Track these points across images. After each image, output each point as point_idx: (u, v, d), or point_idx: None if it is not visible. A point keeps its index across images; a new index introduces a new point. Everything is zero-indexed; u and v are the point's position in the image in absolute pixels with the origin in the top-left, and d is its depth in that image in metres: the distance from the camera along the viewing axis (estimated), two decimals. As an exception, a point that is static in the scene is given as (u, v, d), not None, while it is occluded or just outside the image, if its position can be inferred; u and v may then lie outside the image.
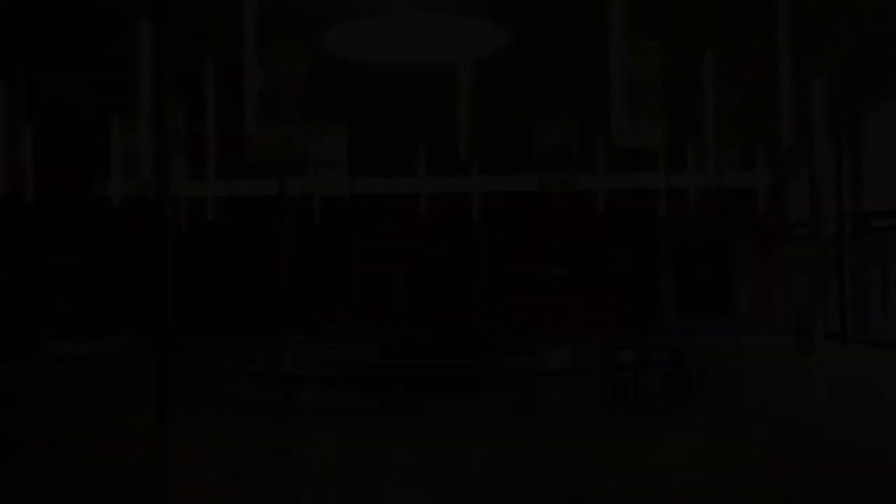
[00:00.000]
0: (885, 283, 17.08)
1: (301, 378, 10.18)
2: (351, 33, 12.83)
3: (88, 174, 20.49)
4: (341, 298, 21.57)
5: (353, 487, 6.35)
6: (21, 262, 17.97)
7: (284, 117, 10.15)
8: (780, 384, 11.74)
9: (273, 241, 19.10)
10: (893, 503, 5.80)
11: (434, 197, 21.08)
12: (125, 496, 6.30)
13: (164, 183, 9.23)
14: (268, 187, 21.28)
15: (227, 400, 10.67)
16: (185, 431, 8.78)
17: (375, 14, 12.03)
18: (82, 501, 6.12)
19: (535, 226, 21.69)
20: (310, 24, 12.14)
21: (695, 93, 15.57)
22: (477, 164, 17.79)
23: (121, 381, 13.20)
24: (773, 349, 16.63)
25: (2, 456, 7.66)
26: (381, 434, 8.46)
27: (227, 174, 20.80)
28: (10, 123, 12.51)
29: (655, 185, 21.18)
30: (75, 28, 12.45)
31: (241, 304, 21.54)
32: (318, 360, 12.26)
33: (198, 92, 12.07)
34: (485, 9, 11.80)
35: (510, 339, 12.78)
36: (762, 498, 6.00)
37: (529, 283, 21.55)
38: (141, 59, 8.95)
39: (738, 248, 21.16)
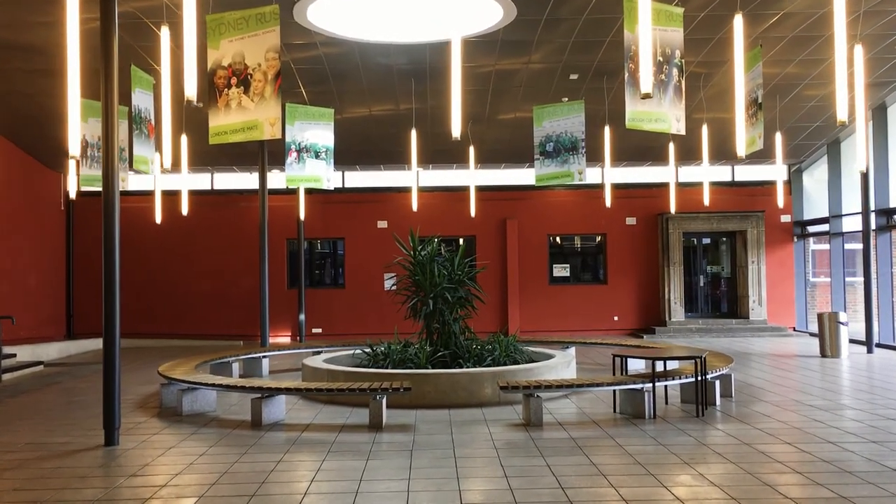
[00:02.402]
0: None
1: (273, 390, 8.95)
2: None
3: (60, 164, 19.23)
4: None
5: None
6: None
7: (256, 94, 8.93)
8: (812, 395, 10.51)
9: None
10: None
11: (427, 190, 20.01)
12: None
13: (111, 174, 8.02)
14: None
15: (190, 413, 9.52)
16: (140, 449, 7.57)
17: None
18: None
19: (535, 221, 20.50)
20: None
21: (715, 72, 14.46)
22: (473, 155, 16.55)
23: (82, 388, 11.97)
24: (793, 354, 15.42)
25: None
26: (363, 456, 7.24)
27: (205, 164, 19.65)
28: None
29: (664, 178, 20.11)
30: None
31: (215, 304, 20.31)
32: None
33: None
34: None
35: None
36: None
37: (530, 282, 20.37)
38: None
39: (752, 244, 19.91)
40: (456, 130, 7.45)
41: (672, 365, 10.26)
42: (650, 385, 8.97)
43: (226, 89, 8.95)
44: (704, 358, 9.20)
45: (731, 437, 7.85)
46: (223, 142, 9.07)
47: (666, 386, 9.65)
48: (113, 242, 8.04)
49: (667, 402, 9.74)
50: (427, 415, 9.28)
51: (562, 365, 10.88)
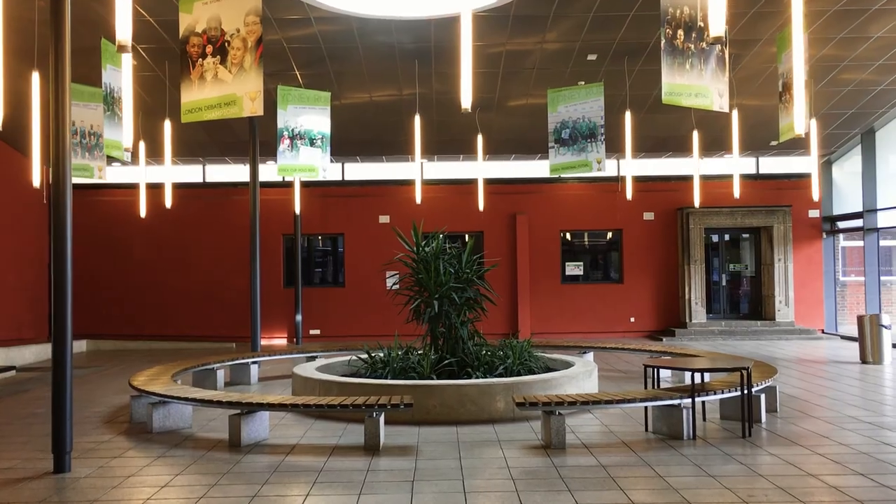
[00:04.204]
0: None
1: (254, 405, 7.77)
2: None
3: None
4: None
5: None
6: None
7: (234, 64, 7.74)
8: (867, 410, 9.32)
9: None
10: None
11: (432, 183, 18.83)
12: None
13: (62, 160, 6.88)
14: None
15: (162, 430, 8.36)
16: (93, 478, 6.42)
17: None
18: None
19: (546, 216, 19.27)
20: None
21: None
22: (482, 145, 15.29)
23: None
24: (829, 359, 14.18)
25: None
26: (355, 488, 6.07)
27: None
28: None
29: (684, 170, 18.93)
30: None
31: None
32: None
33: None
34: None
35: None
36: None
37: (541, 280, 19.15)
38: None
39: (778, 241, 18.66)
40: (466, 101, 6.28)
41: (708, 375, 9.09)
42: (689, 400, 7.78)
43: (200, 59, 7.76)
44: (750, 369, 8.00)
45: (790, 466, 6.64)
46: (197, 119, 7.89)
47: (704, 401, 8.46)
48: (64, 239, 6.89)
49: (704, 419, 8.54)
50: (431, 433, 8.11)
51: (583, 374, 9.69)
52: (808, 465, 6.63)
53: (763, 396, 8.57)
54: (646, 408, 8.14)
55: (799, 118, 7.43)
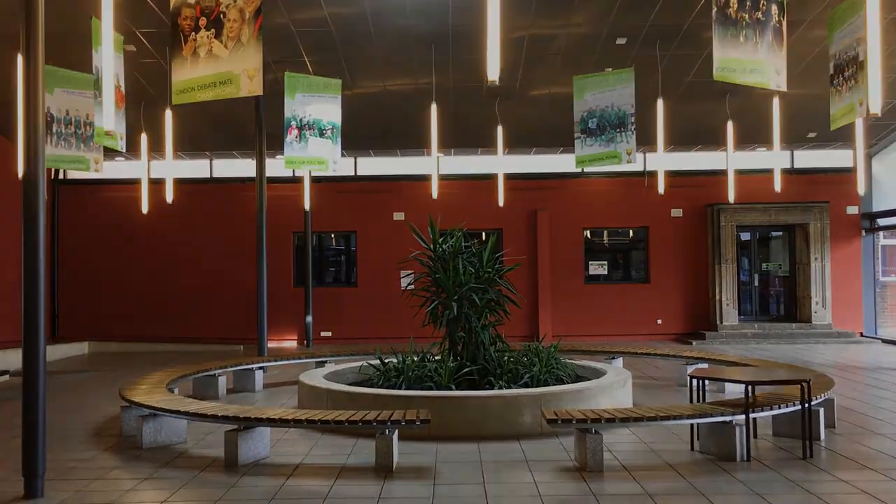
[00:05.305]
0: None
1: (253, 420, 6.95)
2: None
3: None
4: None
5: None
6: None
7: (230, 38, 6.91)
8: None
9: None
10: None
11: (449, 178, 17.97)
12: None
13: (35, 152, 6.10)
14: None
15: (153, 446, 7.57)
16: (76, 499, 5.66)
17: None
18: None
19: (569, 213, 18.37)
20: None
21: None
22: (501, 138, 14.39)
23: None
24: (876, 365, 13.20)
25: None
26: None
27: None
28: None
29: (714, 164, 18.02)
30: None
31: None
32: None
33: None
34: None
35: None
36: None
37: (562, 280, 18.26)
38: None
39: (815, 239, 17.67)
40: (493, 73, 5.44)
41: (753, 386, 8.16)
42: (742, 417, 6.88)
43: (192, 33, 6.95)
44: (811, 381, 7.09)
45: (867, 497, 5.73)
46: (190, 101, 7.07)
47: (755, 417, 7.55)
48: (36, 231, 6.11)
49: (756, 436, 7.63)
50: (451, 451, 7.26)
51: (616, 384, 8.80)
52: (889, 496, 5.72)
53: (822, 411, 7.66)
54: (692, 424, 7.25)
55: (874, 93, 6.48)
